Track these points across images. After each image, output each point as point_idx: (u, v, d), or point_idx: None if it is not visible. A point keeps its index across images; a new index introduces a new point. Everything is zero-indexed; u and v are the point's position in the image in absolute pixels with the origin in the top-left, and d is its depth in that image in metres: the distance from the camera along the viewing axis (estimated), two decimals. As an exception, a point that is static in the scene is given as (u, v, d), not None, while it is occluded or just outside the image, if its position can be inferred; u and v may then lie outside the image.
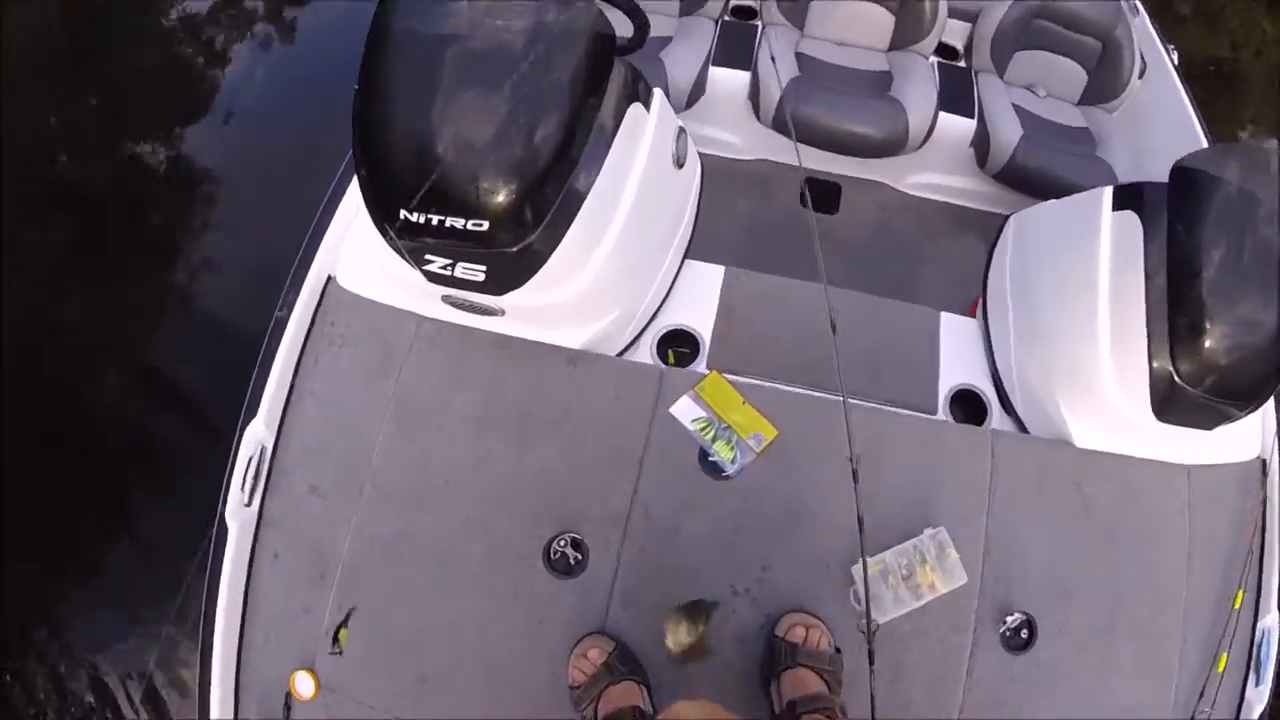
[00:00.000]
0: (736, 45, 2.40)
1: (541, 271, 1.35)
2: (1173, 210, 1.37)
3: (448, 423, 1.52)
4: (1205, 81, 4.03)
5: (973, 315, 2.08)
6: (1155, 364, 1.39)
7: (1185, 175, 1.38)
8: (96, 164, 3.40)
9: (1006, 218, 1.95)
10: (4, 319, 2.74)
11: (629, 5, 1.44)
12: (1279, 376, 1.36)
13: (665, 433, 1.52)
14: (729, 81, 2.35)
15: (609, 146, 1.37)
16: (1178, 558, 1.51)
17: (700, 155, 2.09)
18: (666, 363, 1.76)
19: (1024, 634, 1.45)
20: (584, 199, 1.33)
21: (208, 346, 2.84)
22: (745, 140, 2.53)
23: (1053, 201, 1.77)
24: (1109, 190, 1.53)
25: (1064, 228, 1.68)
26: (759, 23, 2.53)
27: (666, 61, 2.24)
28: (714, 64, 2.34)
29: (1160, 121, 2.48)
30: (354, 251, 1.64)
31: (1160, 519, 1.53)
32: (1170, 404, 1.40)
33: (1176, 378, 1.35)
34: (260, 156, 3.36)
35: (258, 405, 1.52)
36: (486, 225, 1.22)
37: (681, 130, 1.68)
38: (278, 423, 1.55)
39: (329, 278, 1.64)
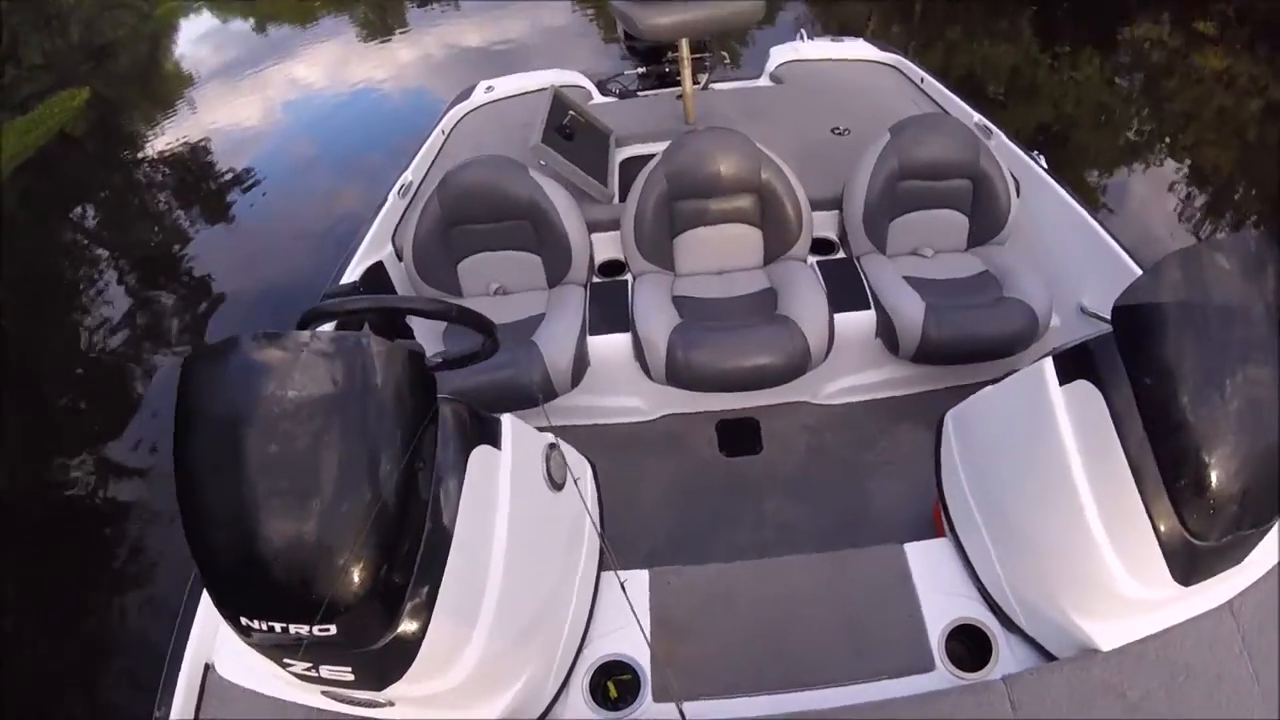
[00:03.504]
0: (609, 306, 2.33)
1: (419, 658, 1.14)
2: (1129, 360, 1.19)
3: None
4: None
5: (938, 521, 1.79)
6: (1163, 530, 1.17)
7: (1130, 315, 1.20)
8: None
9: (942, 417, 1.71)
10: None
11: (477, 322, 1.37)
12: None
13: None
14: (610, 348, 2.24)
15: (457, 505, 1.20)
16: (1250, 703, 1.23)
17: (602, 426, 1.88)
18: (610, 700, 1.46)
19: None
20: (443, 568, 1.16)
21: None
22: (646, 401, 2.39)
23: (987, 391, 1.54)
24: (1048, 364, 1.32)
25: (1011, 419, 1.45)
26: (628, 275, 2.46)
27: (540, 343, 2.12)
28: (591, 333, 2.24)
29: (1053, 231, 2.37)
30: (232, 635, 1.40)
31: (1221, 677, 1.25)
32: (1194, 564, 1.19)
33: (1190, 536, 1.16)
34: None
35: None
36: (334, 630, 1.05)
37: (552, 447, 1.50)
38: None
39: (207, 666, 1.41)
